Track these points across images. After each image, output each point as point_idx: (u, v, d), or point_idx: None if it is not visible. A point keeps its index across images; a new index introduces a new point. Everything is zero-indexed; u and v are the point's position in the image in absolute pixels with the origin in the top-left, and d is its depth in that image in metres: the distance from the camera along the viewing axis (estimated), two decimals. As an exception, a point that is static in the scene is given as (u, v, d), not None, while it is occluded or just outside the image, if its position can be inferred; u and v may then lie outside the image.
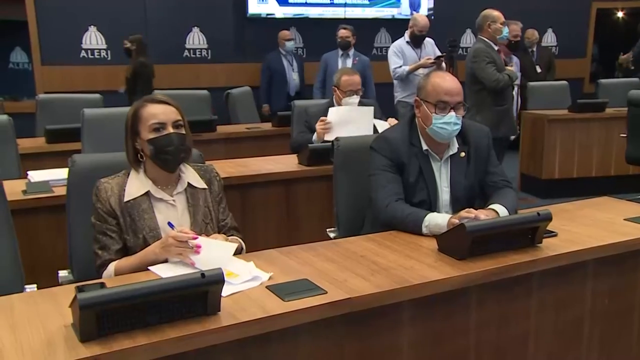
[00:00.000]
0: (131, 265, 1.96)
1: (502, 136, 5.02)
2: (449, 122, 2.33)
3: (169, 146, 2.02)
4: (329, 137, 3.66)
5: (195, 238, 1.87)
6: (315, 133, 3.77)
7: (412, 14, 7.54)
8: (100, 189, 2.03)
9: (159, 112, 2.03)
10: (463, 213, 2.12)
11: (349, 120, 3.65)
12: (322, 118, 3.78)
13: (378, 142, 2.45)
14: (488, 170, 2.50)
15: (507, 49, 6.25)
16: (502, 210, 2.25)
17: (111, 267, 1.99)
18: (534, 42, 7.77)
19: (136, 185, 2.06)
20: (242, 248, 2.16)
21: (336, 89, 3.98)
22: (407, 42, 5.89)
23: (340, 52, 6.25)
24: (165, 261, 1.94)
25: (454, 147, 2.44)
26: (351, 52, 6.24)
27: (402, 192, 2.36)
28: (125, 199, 2.02)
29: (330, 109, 3.81)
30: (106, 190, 2.03)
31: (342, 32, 6.21)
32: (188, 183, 2.12)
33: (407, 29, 5.93)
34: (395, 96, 5.91)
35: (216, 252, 1.89)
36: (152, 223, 2.03)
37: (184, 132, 2.06)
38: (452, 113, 2.33)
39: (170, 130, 2.02)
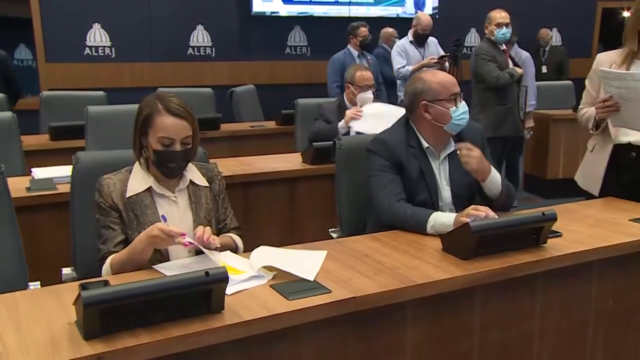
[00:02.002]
0: (122, 258, 1.94)
1: (504, 135, 5.02)
2: (464, 111, 2.37)
3: (172, 162, 2.01)
4: (357, 126, 3.68)
5: (184, 235, 1.85)
6: (344, 119, 3.76)
7: (416, 12, 7.53)
8: (102, 185, 2.03)
9: (170, 127, 1.98)
10: (471, 211, 2.10)
11: (381, 115, 3.60)
12: (356, 107, 3.80)
13: (374, 144, 2.44)
14: None
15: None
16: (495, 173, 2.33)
17: (107, 262, 1.98)
18: (548, 41, 7.79)
19: (138, 181, 2.06)
20: (236, 247, 2.16)
21: (350, 84, 3.98)
22: (411, 41, 5.88)
23: (357, 52, 5.80)
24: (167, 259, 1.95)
25: (451, 145, 2.44)
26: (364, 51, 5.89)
27: (403, 192, 2.36)
28: (128, 195, 2.02)
29: (367, 105, 3.82)
30: (108, 185, 2.03)
31: (365, 31, 5.73)
32: (190, 180, 2.12)
33: (410, 28, 5.92)
34: (399, 95, 5.90)
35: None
36: (155, 218, 2.03)
37: (190, 145, 2.04)
38: (462, 101, 2.39)
39: (178, 147, 2.00)
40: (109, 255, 1.99)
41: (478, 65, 4.93)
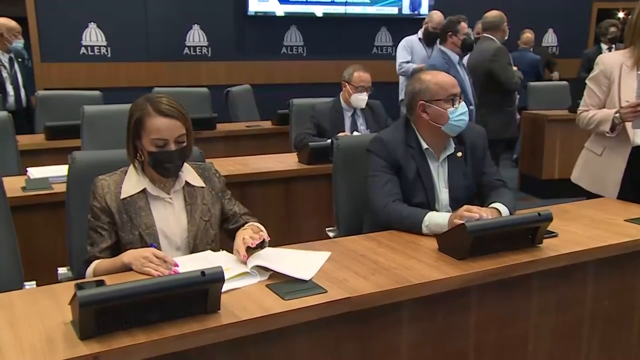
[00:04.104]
0: (105, 268, 1.94)
1: (509, 137, 5.02)
2: (463, 112, 2.35)
3: (169, 163, 2.00)
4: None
5: (176, 265, 1.84)
6: None
7: (413, 12, 7.53)
8: (97, 186, 2.03)
9: (163, 128, 1.96)
10: (464, 213, 2.11)
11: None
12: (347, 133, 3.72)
13: (374, 143, 2.44)
14: (484, 170, 2.50)
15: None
16: (504, 210, 2.26)
17: (91, 267, 1.98)
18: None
19: (133, 183, 2.05)
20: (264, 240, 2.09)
21: (346, 84, 3.98)
22: (420, 39, 5.83)
23: (456, 56, 4.65)
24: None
25: (451, 147, 2.44)
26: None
27: (400, 193, 2.36)
28: (122, 197, 2.02)
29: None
30: (103, 187, 2.02)
31: (467, 27, 4.65)
32: (186, 182, 2.12)
33: (421, 27, 5.88)
34: (400, 94, 5.85)
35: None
36: (149, 220, 2.03)
37: (185, 144, 2.02)
38: (462, 102, 2.37)
39: (172, 147, 1.98)
40: (94, 260, 1.99)
41: (500, 66, 4.76)
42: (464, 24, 4.57)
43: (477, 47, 4.97)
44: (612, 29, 7.01)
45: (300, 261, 1.91)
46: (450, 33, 4.59)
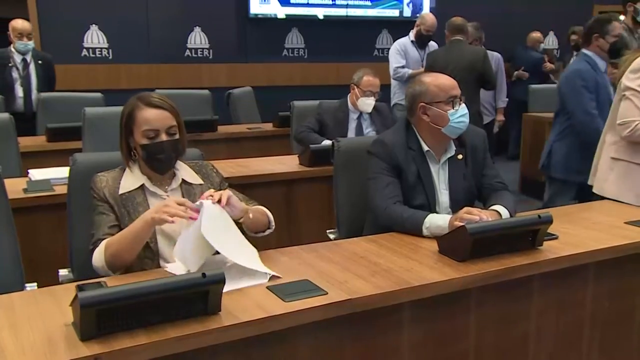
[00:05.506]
0: (120, 235, 1.91)
1: None
2: (464, 114, 2.36)
3: (161, 154, 2.02)
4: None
5: (197, 211, 1.83)
6: None
7: (415, 14, 7.53)
8: (95, 181, 2.05)
9: (152, 119, 2.00)
10: (465, 215, 2.11)
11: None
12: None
13: (375, 146, 2.45)
14: (484, 172, 2.50)
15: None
16: (504, 212, 2.26)
17: (102, 244, 1.94)
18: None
19: (131, 179, 2.07)
20: (267, 216, 2.17)
21: (355, 87, 3.97)
22: (412, 41, 5.78)
23: (604, 63, 3.73)
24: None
25: (452, 150, 2.45)
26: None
27: (401, 195, 2.37)
28: (120, 192, 2.03)
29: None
30: (101, 181, 2.04)
31: (619, 27, 3.76)
32: (183, 179, 2.13)
33: (412, 29, 5.83)
34: (393, 98, 5.82)
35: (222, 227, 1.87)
36: None
37: (177, 136, 2.04)
38: (462, 104, 2.37)
39: (164, 137, 2.01)
40: (103, 239, 1.95)
41: (490, 69, 5.05)
42: (616, 24, 3.69)
43: (454, 48, 5.10)
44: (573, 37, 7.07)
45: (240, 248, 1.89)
46: (596, 35, 3.70)
